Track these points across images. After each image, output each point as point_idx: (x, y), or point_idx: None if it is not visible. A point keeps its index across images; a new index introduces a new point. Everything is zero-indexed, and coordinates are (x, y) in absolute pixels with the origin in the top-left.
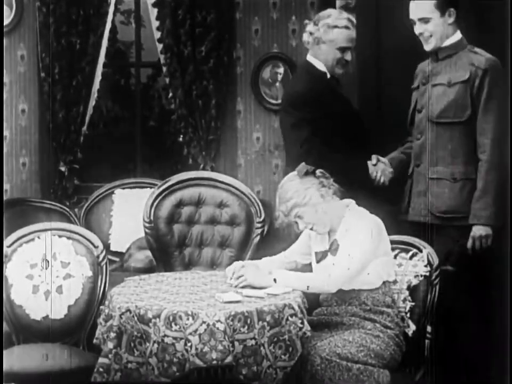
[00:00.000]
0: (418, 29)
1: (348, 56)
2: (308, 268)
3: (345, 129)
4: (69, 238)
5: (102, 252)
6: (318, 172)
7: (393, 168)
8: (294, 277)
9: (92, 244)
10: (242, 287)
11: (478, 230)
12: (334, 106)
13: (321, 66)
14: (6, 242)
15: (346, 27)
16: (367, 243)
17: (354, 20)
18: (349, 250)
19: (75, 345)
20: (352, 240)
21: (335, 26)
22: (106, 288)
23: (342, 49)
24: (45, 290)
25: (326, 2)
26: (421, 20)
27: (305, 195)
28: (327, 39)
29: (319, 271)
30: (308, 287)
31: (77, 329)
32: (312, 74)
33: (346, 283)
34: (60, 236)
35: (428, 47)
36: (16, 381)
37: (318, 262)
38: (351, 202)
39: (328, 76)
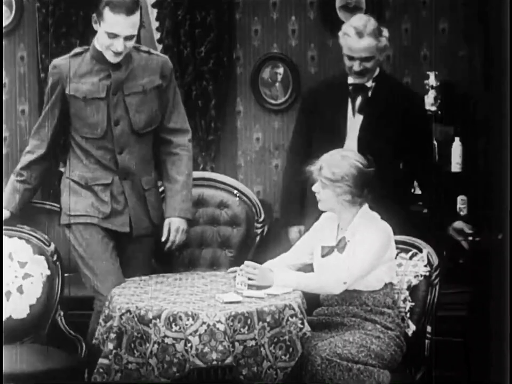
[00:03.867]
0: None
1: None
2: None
3: None
4: (20, 238)
5: (55, 250)
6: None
7: None
8: (296, 278)
9: (44, 243)
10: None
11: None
12: None
13: None
14: None
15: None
16: (374, 251)
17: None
18: (355, 254)
19: (35, 343)
20: (359, 245)
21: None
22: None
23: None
24: (6, 291)
25: (325, 3)
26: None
27: (344, 186)
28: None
29: (322, 271)
30: (311, 288)
31: (38, 328)
32: None
33: (349, 285)
34: (10, 236)
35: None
36: None
37: (323, 256)
38: (364, 204)
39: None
